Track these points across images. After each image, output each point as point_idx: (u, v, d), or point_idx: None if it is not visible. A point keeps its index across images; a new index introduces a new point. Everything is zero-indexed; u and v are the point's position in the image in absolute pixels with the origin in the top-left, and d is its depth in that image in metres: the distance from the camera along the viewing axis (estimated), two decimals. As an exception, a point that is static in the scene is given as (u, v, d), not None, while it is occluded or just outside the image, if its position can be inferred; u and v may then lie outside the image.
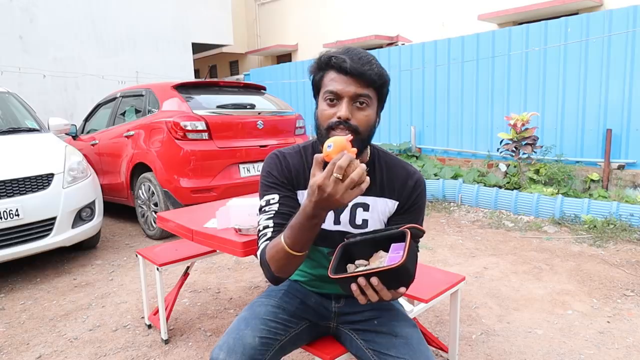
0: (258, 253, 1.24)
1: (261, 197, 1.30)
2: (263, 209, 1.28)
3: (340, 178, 0.94)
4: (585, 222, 4.16)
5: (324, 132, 1.19)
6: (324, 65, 1.21)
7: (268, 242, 1.21)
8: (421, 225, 1.37)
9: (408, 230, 1.02)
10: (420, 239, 1.38)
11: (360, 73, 1.15)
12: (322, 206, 1.00)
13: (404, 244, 1.00)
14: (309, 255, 1.38)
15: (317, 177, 0.97)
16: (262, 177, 1.32)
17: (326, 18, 13.21)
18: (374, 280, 0.97)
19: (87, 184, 3.65)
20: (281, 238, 1.12)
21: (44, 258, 3.77)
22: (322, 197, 0.98)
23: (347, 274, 1.02)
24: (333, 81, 1.18)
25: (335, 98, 1.18)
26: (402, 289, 1.00)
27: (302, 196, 1.32)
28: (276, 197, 1.27)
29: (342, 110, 1.16)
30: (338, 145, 0.96)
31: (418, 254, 1.34)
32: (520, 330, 2.42)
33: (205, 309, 2.78)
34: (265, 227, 1.24)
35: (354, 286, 0.99)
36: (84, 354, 2.30)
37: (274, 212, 1.25)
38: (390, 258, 1.02)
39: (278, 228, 1.22)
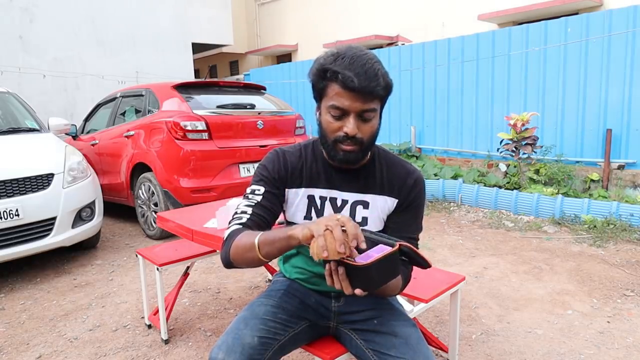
0: (227, 232, 1.25)
1: (250, 184, 1.34)
2: (246, 196, 1.32)
3: (335, 230, 0.94)
4: (585, 222, 4.16)
5: (331, 144, 1.23)
6: (329, 78, 1.17)
7: (240, 226, 1.23)
8: (420, 223, 1.37)
9: (397, 245, 1.00)
10: (419, 241, 1.38)
11: (368, 91, 1.14)
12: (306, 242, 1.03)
13: (385, 250, 0.99)
14: (308, 254, 1.38)
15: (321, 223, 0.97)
16: (256, 168, 1.37)
17: (326, 18, 13.20)
18: (340, 269, 0.99)
19: (87, 184, 3.65)
20: (256, 245, 1.11)
21: (44, 258, 3.77)
22: (311, 241, 0.99)
23: None
24: (338, 96, 1.16)
25: (342, 113, 1.18)
26: (357, 291, 1.00)
27: (293, 194, 1.35)
28: (262, 189, 1.30)
29: (350, 127, 1.17)
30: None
31: (410, 272, 1.30)
32: (520, 330, 2.42)
33: (205, 309, 2.78)
34: (242, 212, 1.27)
35: (327, 265, 1.01)
36: (84, 354, 2.30)
37: (255, 202, 1.29)
38: (361, 257, 1.02)
39: (254, 218, 1.26)
